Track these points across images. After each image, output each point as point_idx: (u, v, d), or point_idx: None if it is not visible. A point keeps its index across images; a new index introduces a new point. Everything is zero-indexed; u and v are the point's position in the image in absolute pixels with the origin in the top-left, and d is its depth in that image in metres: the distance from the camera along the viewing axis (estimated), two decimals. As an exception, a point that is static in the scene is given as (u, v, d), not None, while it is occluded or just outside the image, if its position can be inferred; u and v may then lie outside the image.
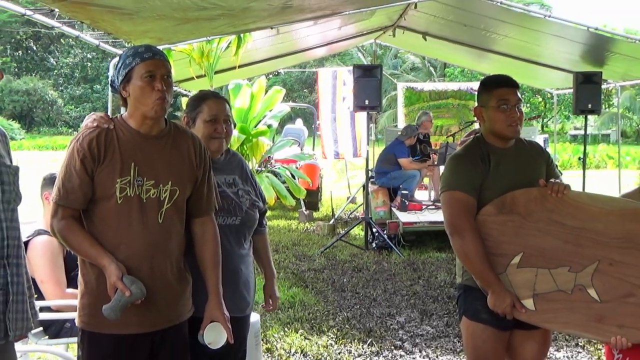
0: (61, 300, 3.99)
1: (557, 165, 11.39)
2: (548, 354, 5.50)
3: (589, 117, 11.60)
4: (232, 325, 3.09)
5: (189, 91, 10.08)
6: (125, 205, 2.80)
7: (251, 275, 3.53)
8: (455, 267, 3.50)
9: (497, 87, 3.40)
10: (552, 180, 3.41)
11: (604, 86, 11.15)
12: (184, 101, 9.96)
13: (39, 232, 4.05)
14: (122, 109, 2.99)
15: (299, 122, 17.36)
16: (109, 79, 2.99)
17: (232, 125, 3.63)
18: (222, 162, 3.44)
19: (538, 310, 3.29)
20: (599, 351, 5.23)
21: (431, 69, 33.52)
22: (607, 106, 29.39)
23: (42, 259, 4.14)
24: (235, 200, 3.39)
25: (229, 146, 3.57)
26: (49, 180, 3.91)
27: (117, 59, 3.02)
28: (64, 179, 2.79)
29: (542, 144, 15.81)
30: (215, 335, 2.99)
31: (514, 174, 3.38)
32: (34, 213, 3.66)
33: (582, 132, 12.36)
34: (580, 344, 5.73)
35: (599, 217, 3.33)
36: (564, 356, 5.58)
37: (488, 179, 3.34)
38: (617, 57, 10.30)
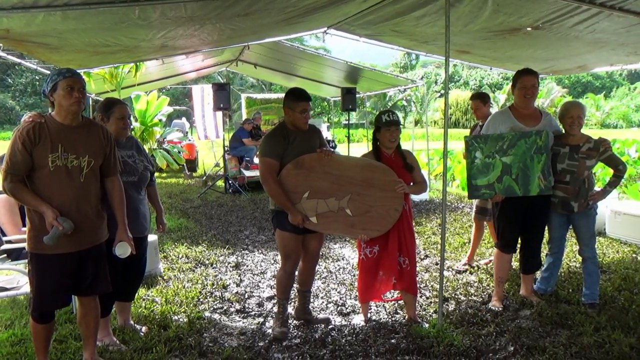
0: (18, 235, 3.61)
1: (333, 140, 11.62)
2: (329, 246, 5.77)
3: (351, 113, 12.00)
4: (135, 242, 2.97)
5: (106, 99, 9.38)
6: (56, 171, 2.57)
7: (147, 211, 3.35)
8: (269, 199, 3.50)
9: (301, 100, 3.34)
10: (324, 148, 3.49)
11: (358, 95, 11.54)
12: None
13: (-1, 192, 3.62)
14: (50, 109, 2.70)
15: (184, 119, 16.90)
16: (42, 90, 2.69)
17: (131, 120, 3.44)
18: (125, 142, 3.24)
19: (319, 223, 3.38)
20: (354, 243, 5.52)
21: (263, 85, 33.14)
22: (361, 107, 30.58)
23: (2, 209, 3.72)
24: (133, 166, 3.20)
25: (130, 133, 3.37)
26: (1, 159, 3.50)
27: (48, 75, 2.71)
28: (10, 155, 2.53)
29: (325, 129, 16.31)
30: (123, 249, 2.84)
31: (303, 146, 3.39)
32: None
33: (348, 122, 12.72)
34: (347, 240, 6.00)
35: (351, 169, 3.43)
36: (338, 247, 5.81)
37: (287, 149, 3.35)
38: (364, 79, 10.66)
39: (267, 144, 3.39)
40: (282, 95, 16.68)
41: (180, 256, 5.43)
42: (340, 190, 3.39)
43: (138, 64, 7.44)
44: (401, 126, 3.55)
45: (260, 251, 5.70)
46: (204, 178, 11.21)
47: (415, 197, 8.32)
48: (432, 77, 41.90)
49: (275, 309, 3.75)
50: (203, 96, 13.14)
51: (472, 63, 6.53)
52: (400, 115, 36.76)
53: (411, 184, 3.52)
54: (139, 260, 3.27)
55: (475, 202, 5.06)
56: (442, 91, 42.82)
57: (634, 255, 5.26)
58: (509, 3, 3.76)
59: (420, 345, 3.26)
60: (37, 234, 2.57)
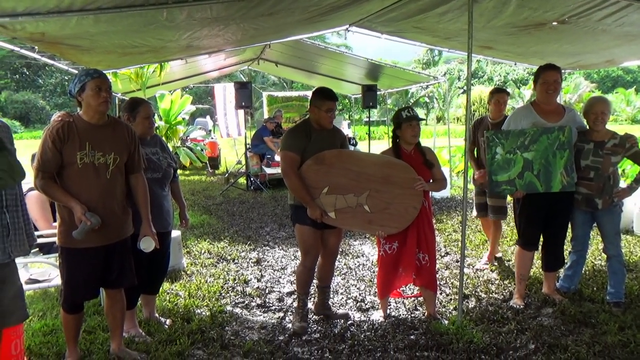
0: (49, 230, 3.74)
1: (354, 138, 11.56)
2: (349, 243, 5.79)
3: (372, 110, 11.94)
4: (159, 237, 3.05)
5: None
6: (84, 168, 2.67)
7: (170, 207, 3.44)
8: (288, 195, 3.55)
9: (328, 99, 3.38)
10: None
11: (379, 92, 11.47)
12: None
13: (30, 189, 3.76)
14: (78, 109, 2.79)
15: (208, 118, 17.11)
16: (69, 90, 2.79)
17: (155, 119, 3.54)
18: (149, 140, 3.33)
19: (337, 218, 3.41)
20: (374, 240, 5.54)
21: (284, 83, 33.29)
22: (383, 104, 30.30)
23: (35, 206, 3.85)
24: (157, 163, 3.29)
25: (155, 131, 3.47)
26: (33, 157, 3.63)
27: (75, 75, 2.81)
28: (42, 153, 2.65)
29: (346, 126, 16.31)
30: (147, 243, 2.93)
31: (323, 144, 3.42)
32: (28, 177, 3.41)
33: (368, 119, 12.63)
34: (367, 236, 6.01)
35: (370, 165, 3.46)
36: (358, 243, 5.83)
37: (308, 146, 3.39)
38: (385, 75, 10.62)
39: (288, 139, 3.45)
40: (303, 93, 16.97)
41: (202, 252, 5.54)
42: (359, 187, 3.41)
43: (163, 63, 7.59)
44: (423, 121, 3.54)
45: (280, 247, 5.76)
46: (226, 175, 11.35)
47: (436, 194, 8.25)
48: (455, 73, 41.34)
49: (295, 304, 3.80)
50: (225, 95, 13.28)
51: (496, 58, 6.45)
52: (423, 112, 36.42)
53: (431, 181, 3.51)
54: (162, 254, 3.36)
55: (473, 200, 5.03)
56: (465, 87, 42.44)
57: (662, 254, 5.13)
58: (533, -3, 3.70)
59: (439, 341, 3.26)
60: (67, 228, 2.67)
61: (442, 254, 5.31)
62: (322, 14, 4.12)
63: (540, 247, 3.92)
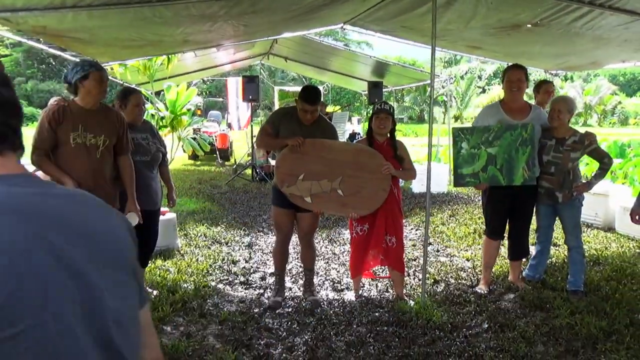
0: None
1: (359, 133, 11.68)
2: (338, 232, 6.07)
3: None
4: (146, 214, 3.38)
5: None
6: (77, 148, 3.01)
7: (158, 187, 3.78)
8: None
9: (303, 101, 3.56)
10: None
11: (387, 89, 11.64)
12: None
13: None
14: (72, 96, 3.14)
15: (221, 111, 17.57)
16: (64, 77, 3.12)
17: (146, 107, 3.87)
18: (140, 126, 3.66)
19: (313, 202, 3.69)
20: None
21: (304, 79, 33.55)
22: (401, 102, 30.18)
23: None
24: (146, 147, 3.63)
25: (145, 117, 3.82)
26: None
27: (74, 64, 3.15)
28: (39, 132, 2.98)
29: (356, 122, 16.51)
30: (131, 219, 3.25)
31: (295, 131, 3.65)
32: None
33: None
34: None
35: (342, 153, 3.75)
36: (348, 232, 6.10)
37: (283, 124, 3.67)
38: (390, 73, 10.85)
39: (272, 115, 3.90)
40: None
41: (199, 235, 5.88)
42: (333, 173, 3.69)
43: (170, 56, 7.95)
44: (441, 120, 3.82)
45: (274, 233, 6.03)
46: (234, 166, 11.70)
47: (432, 189, 8.44)
48: (476, 72, 40.99)
49: (276, 283, 4.12)
50: (237, 88, 13.63)
51: (487, 58, 6.64)
52: (440, 110, 36.24)
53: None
54: (149, 230, 3.70)
55: None
56: (485, 87, 42.08)
57: (637, 250, 5.30)
58: (502, 1, 3.94)
59: (400, 318, 3.55)
60: (60, 202, 3.03)
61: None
62: (306, 13, 4.40)
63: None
